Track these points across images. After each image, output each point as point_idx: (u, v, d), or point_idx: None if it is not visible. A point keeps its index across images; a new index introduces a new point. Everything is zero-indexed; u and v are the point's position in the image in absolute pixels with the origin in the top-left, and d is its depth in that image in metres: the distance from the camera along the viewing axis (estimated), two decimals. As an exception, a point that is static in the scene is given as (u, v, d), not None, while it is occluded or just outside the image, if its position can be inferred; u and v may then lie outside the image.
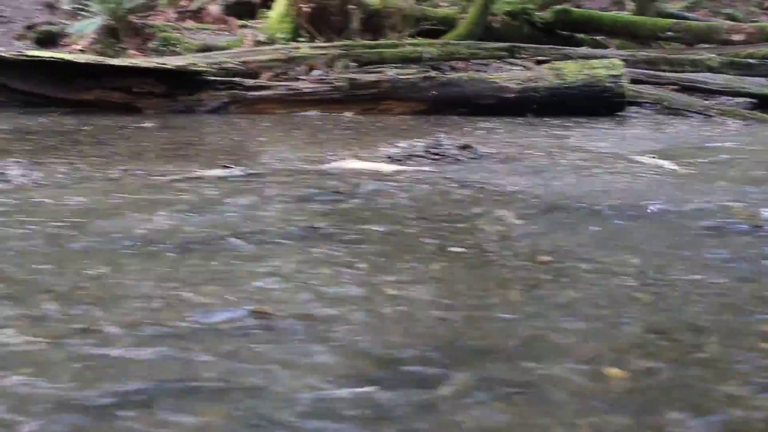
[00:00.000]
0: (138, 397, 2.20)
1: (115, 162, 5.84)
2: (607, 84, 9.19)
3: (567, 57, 10.78)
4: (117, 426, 2.07)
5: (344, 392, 2.22)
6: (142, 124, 8.40)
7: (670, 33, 12.97)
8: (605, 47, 12.77)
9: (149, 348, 2.50)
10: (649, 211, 4.44)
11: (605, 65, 9.44)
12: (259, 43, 12.21)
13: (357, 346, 2.55)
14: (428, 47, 11.17)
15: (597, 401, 2.23)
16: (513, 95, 9.17)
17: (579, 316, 2.82)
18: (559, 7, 13.71)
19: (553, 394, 2.26)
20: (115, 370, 2.36)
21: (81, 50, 12.07)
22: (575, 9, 14.17)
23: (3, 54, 9.94)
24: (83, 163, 5.85)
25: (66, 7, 14.16)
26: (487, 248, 3.64)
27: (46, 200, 4.56)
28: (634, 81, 9.91)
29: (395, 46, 11.21)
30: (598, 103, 9.15)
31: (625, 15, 14.51)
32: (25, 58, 9.71)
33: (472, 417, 2.13)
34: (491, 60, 11.37)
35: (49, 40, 12.90)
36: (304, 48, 10.98)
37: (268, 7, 13.47)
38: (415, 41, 11.56)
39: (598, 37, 13.41)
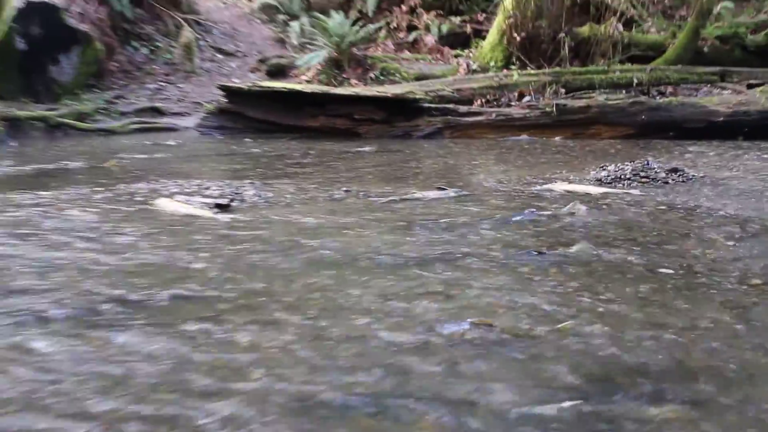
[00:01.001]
0: (359, 405, 2.24)
1: (337, 183, 5.98)
2: (825, 107, 8.77)
3: (780, 80, 10.33)
4: (325, 424, 2.12)
5: (551, 407, 2.20)
6: (362, 149, 8.58)
7: None
8: (821, 70, 12.16)
9: (371, 358, 2.55)
10: None
11: (822, 88, 9.03)
12: (472, 71, 12.29)
13: (566, 362, 2.52)
14: (637, 73, 10.98)
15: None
16: (722, 119, 8.88)
17: (792, 340, 2.70)
18: (771, 30, 13.17)
19: (761, 417, 2.17)
20: (337, 375, 2.42)
21: (307, 80, 12.45)
22: (789, 31, 13.57)
23: (240, 85, 10.38)
24: (309, 184, 6.02)
25: (294, 41, 14.62)
26: (697, 270, 3.54)
27: (275, 218, 4.71)
28: None
29: (604, 72, 11.07)
30: (815, 126, 8.72)
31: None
32: (258, 88, 10.10)
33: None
34: (701, 84, 11.04)
35: (279, 71, 13.36)
36: (515, 75, 10.99)
37: (482, 37, 13.53)
38: (623, 67, 11.39)
39: (814, 60, 12.81)
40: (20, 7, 11.06)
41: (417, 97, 9.98)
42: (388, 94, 10.03)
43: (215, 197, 5.23)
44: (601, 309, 3.00)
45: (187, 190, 5.58)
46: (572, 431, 2.08)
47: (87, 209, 5.05)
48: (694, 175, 6.04)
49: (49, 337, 2.74)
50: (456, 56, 13.49)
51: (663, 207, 4.96)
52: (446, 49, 13.99)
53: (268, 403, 2.25)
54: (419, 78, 11.95)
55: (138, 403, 2.25)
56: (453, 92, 10.52)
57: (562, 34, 12.19)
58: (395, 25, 14.83)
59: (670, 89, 10.99)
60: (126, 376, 2.43)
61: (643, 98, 9.85)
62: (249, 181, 5.93)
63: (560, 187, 5.71)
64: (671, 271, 3.53)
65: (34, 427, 2.10)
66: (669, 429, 2.10)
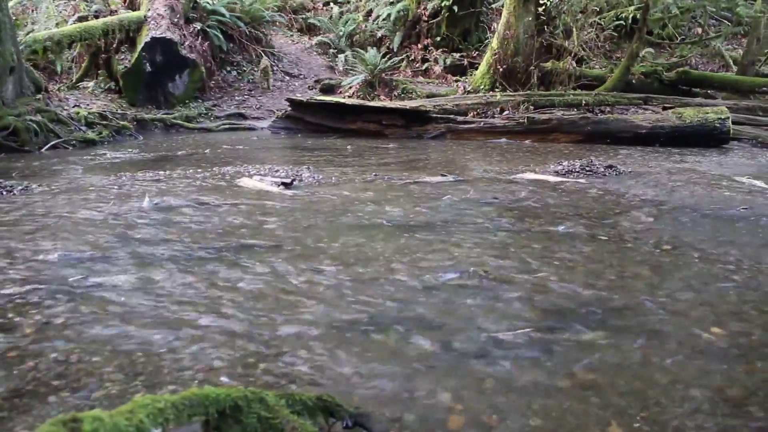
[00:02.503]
0: (381, 325, 2.26)
1: (369, 169, 5.97)
2: (716, 125, 8.68)
3: (686, 105, 10.22)
4: (357, 338, 2.13)
5: (510, 333, 2.21)
6: (387, 145, 8.56)
7: (764, 88, 12.22)
8: (715, 98, 12.03)
9: (388, 294, 2.56)
10: (737, 211, 4.17)
11: (715, 111, 8.92)
12: (467, 92, 12.21)
13: (529, 300, 2.53)
14: (585, 96, 10.90)
15: (702, 350, 2.13)
16: (645, 131, 8.81)
17: (691, 289, 2.69)
18: (681, 69, 13.04)
19: (668, 342, 2.17)
20: (367, 306, 2.43)
21: (349, 96, 12.39)
22: (693, 70, 13.45)
23: (301, 98, 10.37)
24: (348, 169, 6.01)
25: (340, 68, 14.54)
26: (625, 238, 3.52)
27: (324, 193, 4.72)
28: (736, 123, 9.27)
29: (562, 95, 10.99)
30: (709, 138, 8.67)
31: (731, 75, 13.63)
32: (314, 101, 10.08)
33: (608, 354, 2.08)
34: (630, 106, 10.97)
35: (329, 89, 13.30)
36: (498, 96, 10.91)
37: (475, 68, 13.45)
38: (575, 92, 11.29)
39: (709, 91, 12.68)
40: (148, 41, 11.07)
41: (427, 109, 9.92)
42: (407, 107, 9.98)
43: (282, 177, 5.23)
44: (555, 264, 3.00)
45: (262, 172, 5.58)
46: (519, 347, 2.09)
47: (191, 184, 5.07)
48: (624, 170, 6.00)
49: (163, 271, 2.77)
50: (456, 81, 13.38)
51: (601, 192, 4.93)
52: (449, 76, 13.88)
53: (316, 324, 2.26)
54: (429, 96, 11.87)
55: (227, 318, 2.27)
56: (453, 107, 10.44)
57: (532, 67, 12.09)
58: (413, 57, 14.70)
59: (608, 109, 10.91)
60: (217, 298, 2.45)
61: (589, 115, 9.77)
62: (306, 166, 5.93)
63: (528, 176, 5.68)
64: (606, 238, 3.51)
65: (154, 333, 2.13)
66: (595, 349, 2.11)
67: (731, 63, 15.00)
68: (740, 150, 8.65)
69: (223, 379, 1.85)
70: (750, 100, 12.00)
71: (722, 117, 8.78)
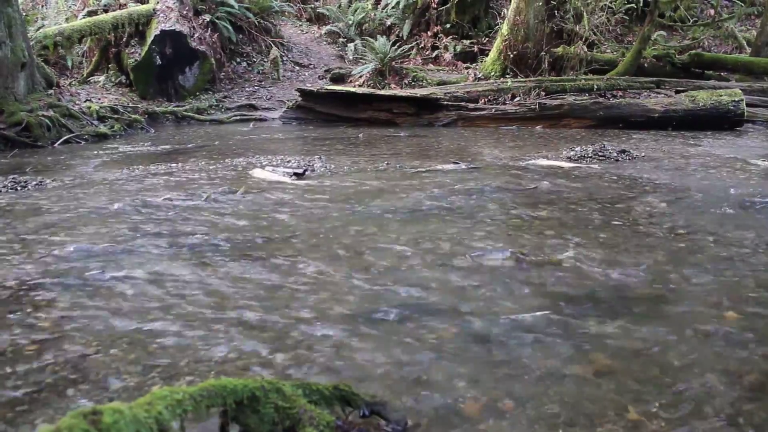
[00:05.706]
0: (396, 312, 2.26)
1: (381, 158, 5.96)
2: (730, 107, 8.61)
3: (699, 88, 10.16)
4: (385, 329, 2.14)
5: (530, 315, 2.21)
6: (398, 134, 8.55)
7: (779, 69, 12.15)
8: (728, 80, 11.92)
9: (404, 280, 2.56)
10: (753, 194, 4.14)
11: (728, 93, 8.85)
12: (477, 79, 12.17)
13: (543, 288, 2.52)
14: (597, 81, 10.83)
15: (719, 335, 2.12)
16: (658, 115, 8.75)
17: (707, 273, 2.68)
18: (693, 51, 12.93)
19: (684, 327, 2.16)
20: (382, 294, 2.43)
21: (359, 85, 12.37)
22: (706, 53, 13.33)
23: (311, 88, 10.36)
24: (360, 159, 6.01)
25: (350, 57, 14.51)
26: (639, 223, 3.51)
27: (336, 183, 4.72)
28: (750, 105, 9.19)
29: (573, 80, 10.93)
30: (723, 121, 8.60)
31: (744, 56, 13.50)
32: (324, 91, 10.08)
33: (624, 339, 2.07)
34: (642, 90, 10.91)
35: (339, 78, 13.27)
36: (509, 82, 10.85)
37: (485, 54, 13.40)
38: (587, 77, 11.23)
39: (722, 73, 12.57)
40: (157, 34, 11.10)
41: (438, 96, 9.90)
42: (417, 95, 9.97)
43: (294, 168, 5.24)
44: (571, 251, 2.99)
45: (274, 163, 5.59)
46: (535, 333, 2.10)
47: (204, 176, 5.08)
48: (637, 155, 5.97)
49: (178, 264, 2.78)
50: (466, 68, 13.34)
51: (615, 177, 4.90)
52: (459, 63, 13.83)
53: (331, 313, 2.27)
54: (440, 84, 11.84)
55: (242, 309, 2.28)
56: (464, 94, 10.41)
57: (543, 53, 12.04)
58: (423, 45, 14.65)
59: (620, 93, 10.85)
60: (232, 290, 2.46)
61: (601, 99, 9.72)
62: (317, 156, 5.94)
63: (541, 162, 5.66)
64: (621, 223, 3.50)
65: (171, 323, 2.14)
66: (611, 334, 2.10)
67: (744, 44, 14.86)
68: (755, 132, 8.58)
69: (240, 369, 1.86)
70: (764, 81, 11.88)
71: (736, 99, 8.71)
